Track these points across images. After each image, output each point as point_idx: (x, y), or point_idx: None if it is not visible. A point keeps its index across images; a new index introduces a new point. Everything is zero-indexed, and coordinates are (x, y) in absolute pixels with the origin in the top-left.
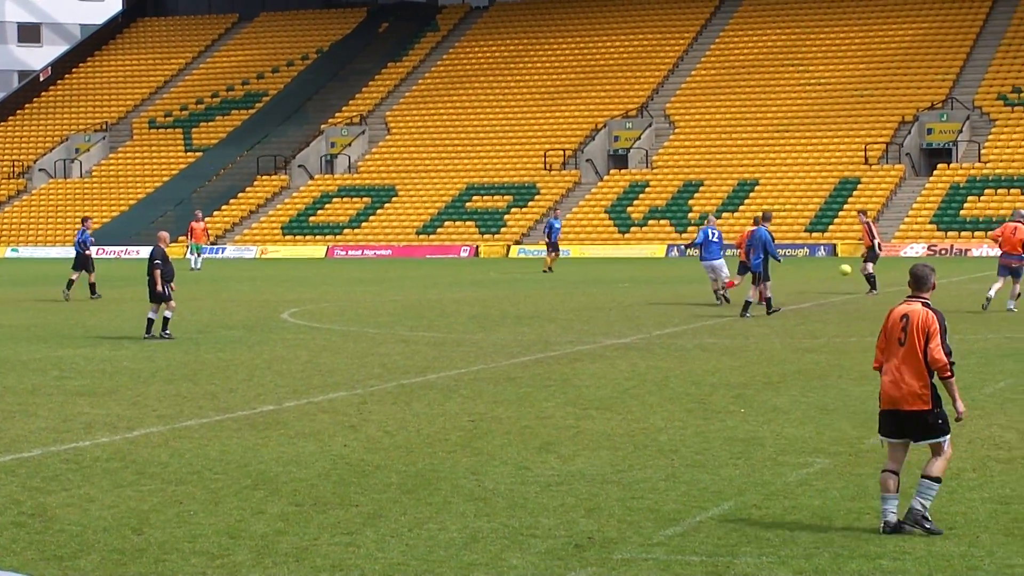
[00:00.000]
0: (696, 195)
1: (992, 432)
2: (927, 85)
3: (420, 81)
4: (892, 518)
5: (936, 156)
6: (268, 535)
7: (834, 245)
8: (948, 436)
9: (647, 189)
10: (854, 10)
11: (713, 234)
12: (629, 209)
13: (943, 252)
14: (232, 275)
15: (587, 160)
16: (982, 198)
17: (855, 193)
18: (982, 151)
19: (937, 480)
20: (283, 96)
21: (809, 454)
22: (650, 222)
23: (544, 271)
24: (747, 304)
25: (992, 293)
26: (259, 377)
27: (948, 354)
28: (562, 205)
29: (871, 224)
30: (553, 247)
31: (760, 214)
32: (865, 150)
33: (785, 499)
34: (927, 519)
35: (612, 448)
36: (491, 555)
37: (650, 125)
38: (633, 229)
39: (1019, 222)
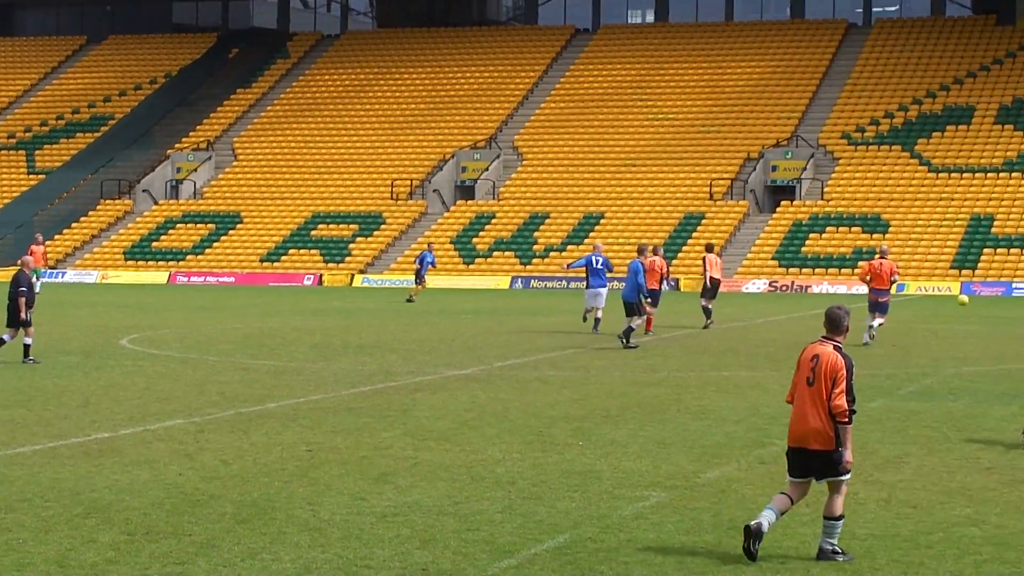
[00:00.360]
0: (542, 227)
1: None
2: (773, 123)
3: (269, 108)
4: (763, 524)
5: (780, 193)
6: (99, 564)
7: (677, 280)
8: (848, 476)
9: (493, 220)
10: (702, 47)
11: (598, 260)
12: (475, 240)
13: (784, 288)
14: (72, 300)
15: (434, 190)
16: (824, 235)
17: (699, 228)
18: (825, 189)
19: (839, 518)
20: (130, 120)
21: (646, 488)
22: (495, 253)
23: (407, 300)
24: (629, 331)
25: (875, 325)
26: (95, 404)
27: (851, 400)
28: (407, 235)
29: (711, 259)
30: (420, 279)
31: (640, 245)
32: (710, 186)
33: (620, 532)
34: (837, 552)
35: (449, 479)
36: None
37: (498, 156)
38: (478, 260)
39: (883, 258)
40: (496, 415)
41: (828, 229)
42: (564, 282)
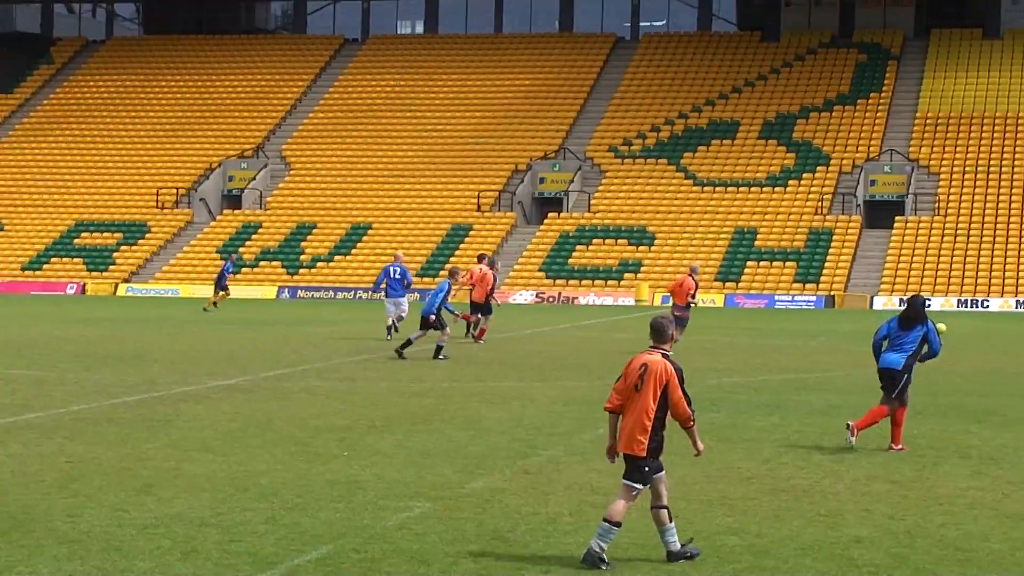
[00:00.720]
0: (309, 237)
1: (590, 477)
2: (541, 135)
3: (32, 113)
4: (673, 547)
5: (547, 205)
6: None
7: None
8: (641, 489)
9: (260, 230)
10: (472, 59)
11: (395, 271)
12: (241, 250)
13: (551, 299)
14: None
15: (201, 199)
16: (590, 247)
17: (467, 239)
18: (592, 201)
19: (617, 525)
20: None
21: (410, 498)
22: (262, 263)
23: (204, 309)
24: (437, 348)
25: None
26: None
27: (688, 404)
28: (173, 244)
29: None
30: (221, 287)
31: (452, 268)
32: (478, 197)
33: (384, 543)
34: (603, 560)
35: (212, 490)
36: None
37: (265, 166)
38: (245, 270)
39: (690, 275)
40: (260, 425)
41: (595, 241)
42: (332, 292)
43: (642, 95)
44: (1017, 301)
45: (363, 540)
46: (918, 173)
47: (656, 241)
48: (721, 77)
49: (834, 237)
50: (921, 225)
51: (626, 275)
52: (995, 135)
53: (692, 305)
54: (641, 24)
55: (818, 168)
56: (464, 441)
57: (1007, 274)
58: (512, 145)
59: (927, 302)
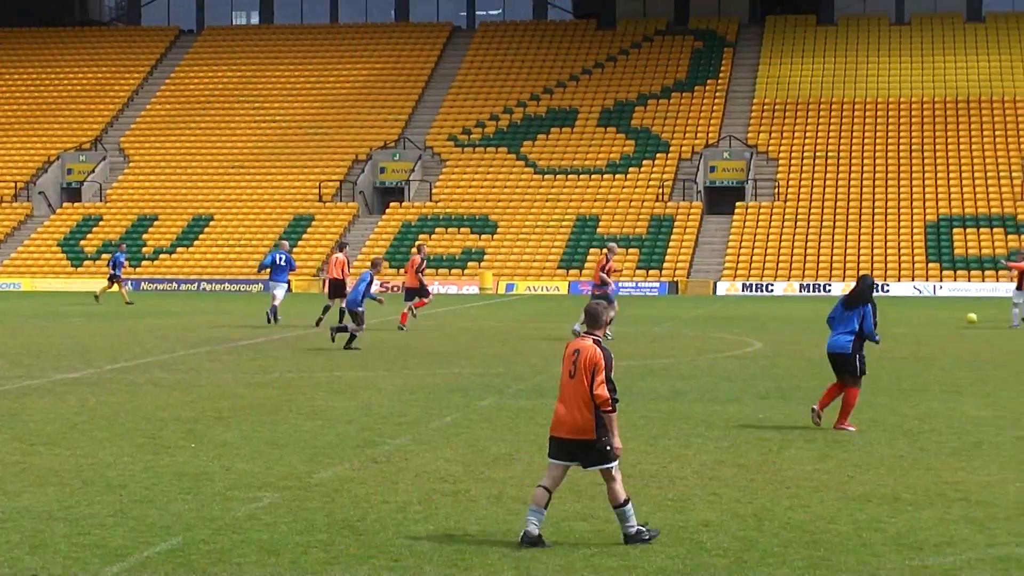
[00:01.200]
0: (151, 229)
1: (439, 465)
2: (380, 125)
3: None
4: (533, 529)
5: (389, 194)
6: None
7: (288, 281)
8: (616, 463)
9: (101, 223)
10: (308, 49)
11: (281, 258)
12: (82, 243)
13: (395, 289)
14: None
15: (40, 192)
16: (433, 236)
17: (309, 230)
18: (433, 190)
19: (626, 503)
20: None
21: (258, 489)
22: (103, 256)
23: (95, 297)
24: (351, 337)
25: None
26: None
27: (612, 390)
28: (13, 238)
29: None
30: (115, 279)
31: (375, 259)
32: (319, 187)
33: (234, 533)
34: (642, 532)
35: (59, 484)
36: None
37: (104, 158)
38: (86, 263)
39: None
40: (106, 418)
41: (437, 230)
42: (175, 284)
43: (480, 84)
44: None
45: (212, 531)
46: (757, 159)
47: (499, 229)
48: (559, 65)
49: (676, 223)
50: (762, 210)
51: (470, 264)
52: (832, 120)
53: (607, 283)
54: (477, 13)
55: (658, 155)
56: (312, 431)
57: (848, 258)
58: (352, 135)
59: (874, 284)
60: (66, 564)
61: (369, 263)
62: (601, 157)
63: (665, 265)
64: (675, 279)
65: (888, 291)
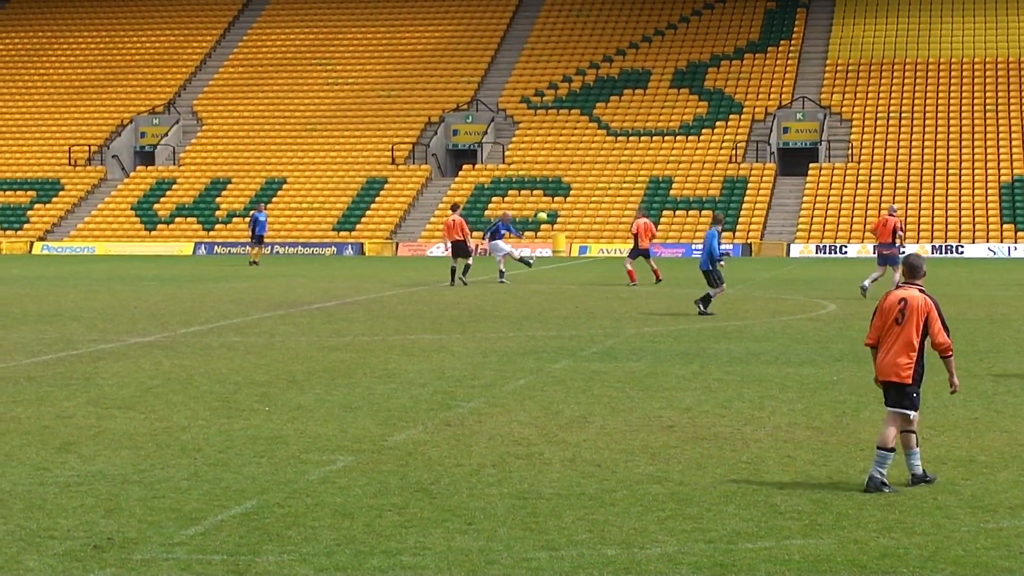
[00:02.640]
0: (224, 193)
1: (512, 428)
2: (452, 87)
3: None
4: (917, 470)
5: (462, 157)
6: None
7: (362, 244)
8: (914, 414)
9: (174, 186)
10: (380, 11)
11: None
12: (156, 207)
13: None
14: None
15: (113, 156)
16: (506, 199)
17: (382, 193)
18: (506, 153)
19: (891, 450)
20: None
21: (332, 452)
22: (177, 219)
23: (251, 264)
24: (706, 298)
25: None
26: None
27: (947, 333)
28: (87, 202)
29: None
30: (258, 240)
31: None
32: (392, 150)
33: (308, 497)
34: (885, 484)
35: (134, 448)
36: (7, 558)
37: (177, 122)
38: (160, 227)
39: (891, 215)
40: (180, 382)
41: (510, 192)
42: (249, 248)
43: (552, 45)
44: (933, 247)
45: (286, 495)
46: (831, 120)
47: (572, 192)
48: (631, 26)
49: (749, 185)
50: (835, 172)
51: (543, 226)
52: (906, 81)
53: (899, 244)
54: None
55: (731, 116)
56: (385, 394)
57: (922, 220)
58: (424, 98)
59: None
60: (141, 527)
61: (711, 218)
62: (674, 119)
63: (739, 227)
64: (749, 241)
65: (963, 252)
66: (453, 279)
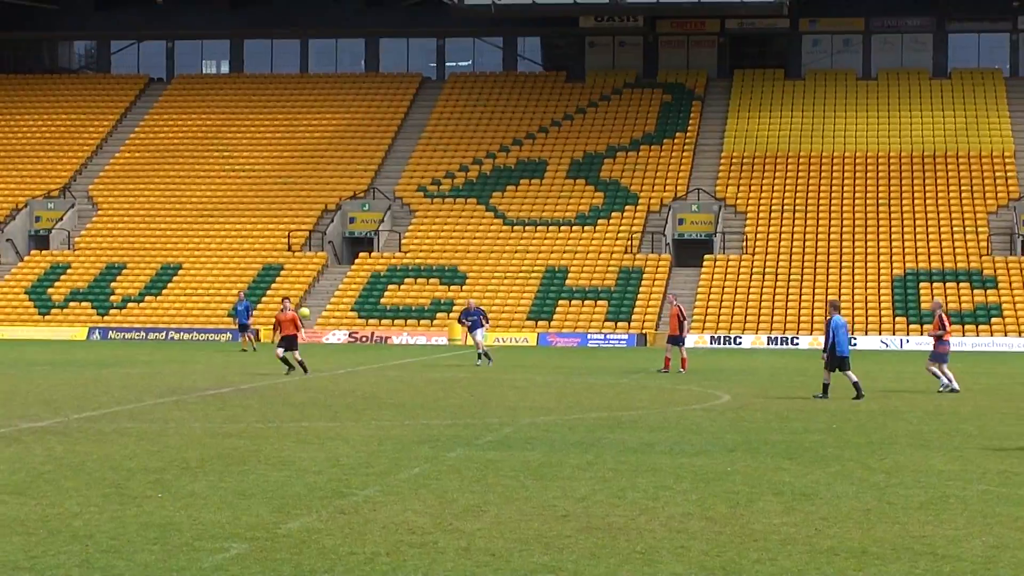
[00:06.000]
0: (119, 277)
1: (407, 517)
2: (350, 175)
3: None
4: None
5: (358, 245)
6: None
7: (257, 331)
8: None
9: (69, 270)
10: (278, 98)
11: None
12: (50, 291)
13: (364, 339)
14: None
15: (7, 240)
16: (402, 287)
17: (278, 279)
18: (403, 241)
19: None
20: None
21: (225, 539)
22: (71, 304)
23: (242, 351)
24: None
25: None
26: None
27: None
28: None
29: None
30: (243, 328)
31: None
32: (289, 237)
33: None
34: None
35: (25, 534)
36: None
37: (72, 206)
38: (54, 311)
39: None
40: (73, 468)
41: (407, 280)
42: (143, 333)
43: (449, 135)
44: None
45: None
46: (725, 212)
47: (468, 280)
48: (528, 117)
49: (644, 275)
50: (730, 263)
51: (439, 314)
52: (799, 173)
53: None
54: (447, 64)
55: (627, 207)
56: (279, 481)
57: (816, 312)
58: (321, 185)
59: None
60: None
61: (828, 303)
62: (570, 209)
63: (634, 317)
64: (643, 331)
65: (856, 345)
66: (290, 367)
